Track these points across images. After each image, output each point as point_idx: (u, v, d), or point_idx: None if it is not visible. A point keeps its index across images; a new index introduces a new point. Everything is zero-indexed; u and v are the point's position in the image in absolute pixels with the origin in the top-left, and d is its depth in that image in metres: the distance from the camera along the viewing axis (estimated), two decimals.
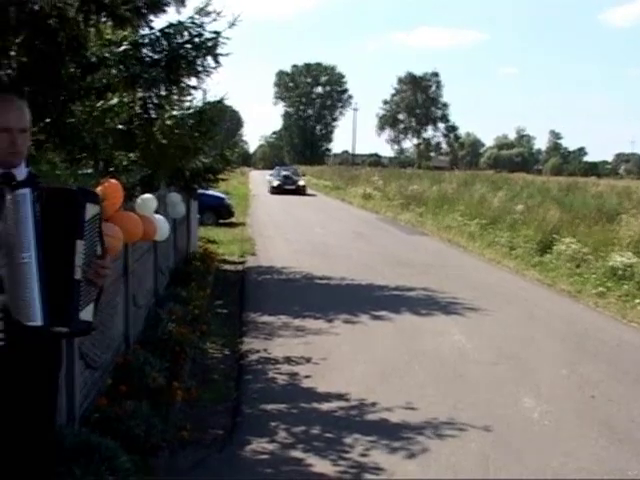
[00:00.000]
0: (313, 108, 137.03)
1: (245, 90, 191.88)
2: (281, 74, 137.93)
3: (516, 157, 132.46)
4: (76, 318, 3.61)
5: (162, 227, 8.82)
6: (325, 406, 7.64)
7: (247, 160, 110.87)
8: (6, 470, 3.75)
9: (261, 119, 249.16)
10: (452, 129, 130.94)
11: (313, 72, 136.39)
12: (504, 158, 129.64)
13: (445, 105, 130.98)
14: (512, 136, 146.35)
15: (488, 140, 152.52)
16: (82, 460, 5.17)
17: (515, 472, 6.12)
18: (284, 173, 56.13)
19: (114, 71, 8.90)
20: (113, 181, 7.32)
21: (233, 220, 28.10)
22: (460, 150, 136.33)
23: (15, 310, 3.46)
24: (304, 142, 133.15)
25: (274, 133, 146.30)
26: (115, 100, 10.11)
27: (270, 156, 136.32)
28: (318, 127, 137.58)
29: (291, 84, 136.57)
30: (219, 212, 27.02)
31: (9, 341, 3.49)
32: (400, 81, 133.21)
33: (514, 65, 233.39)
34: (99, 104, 9.43)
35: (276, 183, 53.08)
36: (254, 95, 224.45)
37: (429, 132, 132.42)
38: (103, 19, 7.18)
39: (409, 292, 14.17)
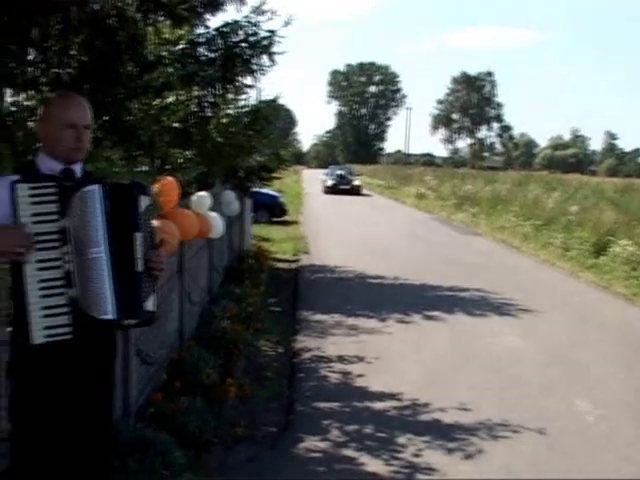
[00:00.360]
0: (367, 107, 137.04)
1: (299, 89, 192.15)
2: (335, 73, 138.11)
3: (571, 158, 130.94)
4: (142, 309, 3.69)
5: (217, 225, 8.89)
6: (378, 405, 7.64)
7: (300, 159, 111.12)
8: (66, 462, 3.81)
9: (315, 118, 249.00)
10: (506, 129, 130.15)
11: (367, 71, 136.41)
12: (558, 159, 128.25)
13: (499, 105, 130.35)
14: (567, 137, 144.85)
15: (542, 140, 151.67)
16: (137, 455, 5.23)
17: (570, 476, 6.06)
18: (338, 172, 54.00)
19: (171, 70, 8.99)
20: (169, 178, 7.40)
21: (286, 218, 28.20)
22: (514, 150, 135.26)
23: (85, 304, 3.52)
24: (357, 141, 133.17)
25: (327, 132, 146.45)
26: (171, 98, 10.21)
27: (323, 155, 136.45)
28: (371, 126, 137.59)
29: (345, 83, 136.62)
30: (272, 210, 27.14)
31: (76, 334, 3.56)
32: (454, 81, 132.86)
33: (570, 65, 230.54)
34: (155, 102, 9.53)
35: (330, 182, 51.49)
36: (308, 94, 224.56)
37: (483, 132, 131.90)
38: (161, 18, 7.25)
39: (462, 292, 14.11)
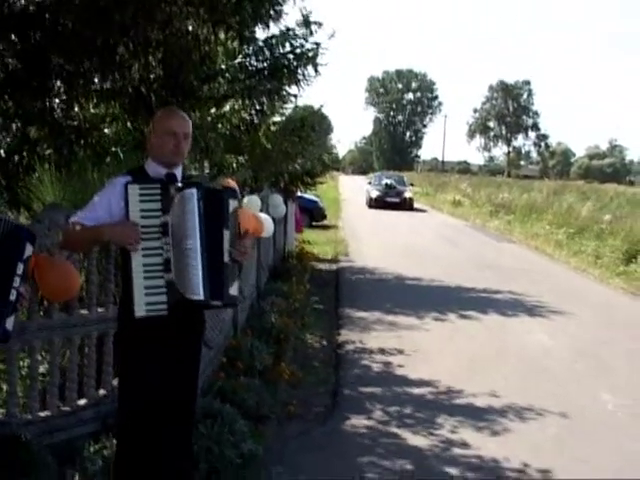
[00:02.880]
0: (403, 114, 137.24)
1: (336, 95, 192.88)
2: (372, 80, 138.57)
3: (608, 168, 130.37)
4: (227, 293, 4.47)
5: (268, 225, 9.64)
6: (416, 391, 8.38)
7: (336, 165, 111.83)
8: (162, 420, 4.60)
9: (351, 124, 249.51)
10: (543, 138, 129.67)
11: (404, 78, 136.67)
12: (595, 168, 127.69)
13: (536, 113, 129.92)
14: (604, 146, 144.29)
15: (579, 150, 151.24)
16: (208, 422, 6.02)
17: (587, 454, 6.74)
18: (386, 181, 44.11)
19: (223, 81, 9.79)
20: (231, 181, 8.20)
21: (325, 223, 28.97)
22: (550, 159, 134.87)
23: (181, 286, 4.31)
24: (393, 148, 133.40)
25: (364, 138, 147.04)
26: (227, 107, 11.05)
27: (359, 161, 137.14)
28: (408, 133, 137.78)
29: (382, 90, 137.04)
30: (312, 214, 27.89)
31: (170, 311, 4.34)
32: (491, 88, 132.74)
33: (607, 74, 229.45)
34: (212, 111, 10.34)
35: (375, 194, 42.33)
36: (345, 100, 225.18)
37: (519, 140, 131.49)
38: (229, 37, 8.03)
39: (496, 294, 14.79)
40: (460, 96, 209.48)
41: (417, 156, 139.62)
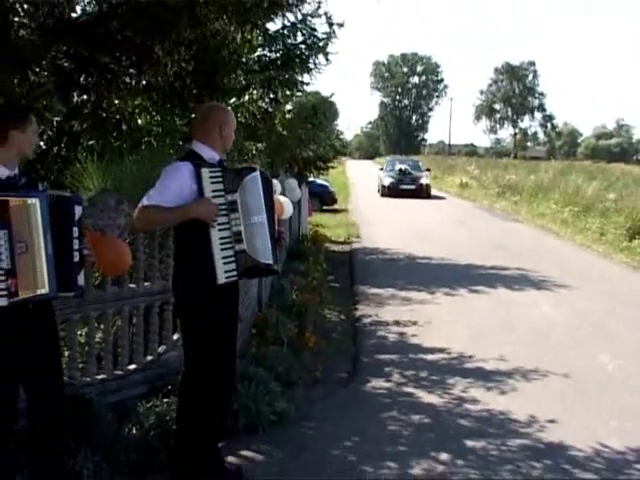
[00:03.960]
0: (409, 98, 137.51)
1: (342, 80, 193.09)
2: (377, 64, 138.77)
3: (615, 147, 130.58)
4: (277, 261, 5.34)
5: (288, 208, 10.30)
6: (430, 357, 9.06)
7: (344, 150, 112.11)
8: (223, 371, 5.33)
9: (357, 109, 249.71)
10: (549, 119, 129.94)
11: (409, 62, 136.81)
12: (602, 148, 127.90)
13: (542, 94, 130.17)
14: (611, 126, 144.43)
15: (586, 130, 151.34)
16: (245, 382, 6.72)
17: (588, 406, 7.42)
18: (400, 167, 39.93)
19: (241, 72, 10.44)
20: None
21: (336, 207, 29.64)
22: (557, 140, 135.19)
23: (253, 253, 5.07)
24: (400, 132, 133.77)
25: (370, 123, 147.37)
26: (247, 97, 11.72)
27: (366, 146, 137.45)
28: (414, 117, 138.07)
29: (387, 74, 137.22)
30: (323, 199, 28.56)
31: (239, 276, 5.12)
32: (496, 70, 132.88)
33: (612, 53, 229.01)
34: (232, 101, 11.01)
35: (388, 181, 38.48)
36: (350, 85, 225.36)
37: (526, 122, 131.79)
38: (254, 35, 8.71)
39: (504, 271, 15.44)
40: (466, 79, 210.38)
41: (424, 140, 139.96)
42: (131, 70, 7.60)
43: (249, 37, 9.08)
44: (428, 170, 42.55)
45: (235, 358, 5.66)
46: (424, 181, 38.71)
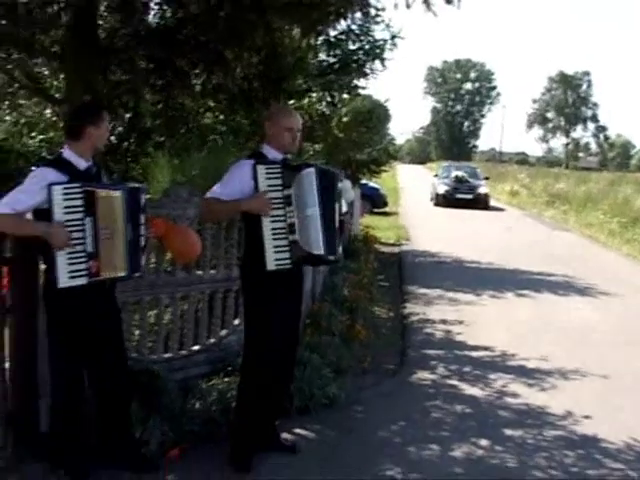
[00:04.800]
0: (462, 104, 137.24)
1: (394, 84, 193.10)
2: (431, 69, 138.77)
3: None
4: (338, 251, 5.78)
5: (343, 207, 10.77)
6: (474, 354, 9.48)
7: (395, 154, 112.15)
8: (283, 354, 5.84)
9: (409, 114, 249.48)
10: (602, 129, 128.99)
11: (463, 68, 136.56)
12: None
13: (595, 105, 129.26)
14: None
15: None
16: (300, 367, 7.19)
17: (623, 405, 7.78)
18: (457, 173, 36.52)
19: (301, 76, 10.95)
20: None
21: (386, 210, 30.05)
22: (610, 151, 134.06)
23: (305, 244, 5.52)
24: (451, 138, 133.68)
25: (421, 128, 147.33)
26: (306, 100, 12.23)
27: (417, 151, 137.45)
28: (466, 123, 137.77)
29: (440, 79, 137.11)
30: (374, 201, 28.90)
31: (292, 265, 5.56)
32: (550, 79, 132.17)
33: None
34: (291, 102, 11.53)
35: (443, 189, 35.40)
36: (403, 89, 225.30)
37: (578, 132, 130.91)
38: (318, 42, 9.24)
39: (549, 277, 15.74)
40: (519, 87, 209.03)
41: (475, 146, 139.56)
42: (202, 72, 8.13)
43: (312, 43, 9.56)
44: (487, 178, 39.08)
45: (295, 345, 6.12)
46: (482, 190, 35.66)
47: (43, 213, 4.97)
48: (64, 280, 4.98)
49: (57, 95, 8.35)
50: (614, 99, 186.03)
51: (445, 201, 34.49)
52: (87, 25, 6.70)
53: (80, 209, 5.00)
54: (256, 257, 5.54)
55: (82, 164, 5.21)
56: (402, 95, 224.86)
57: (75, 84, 6.88)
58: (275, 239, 5.47)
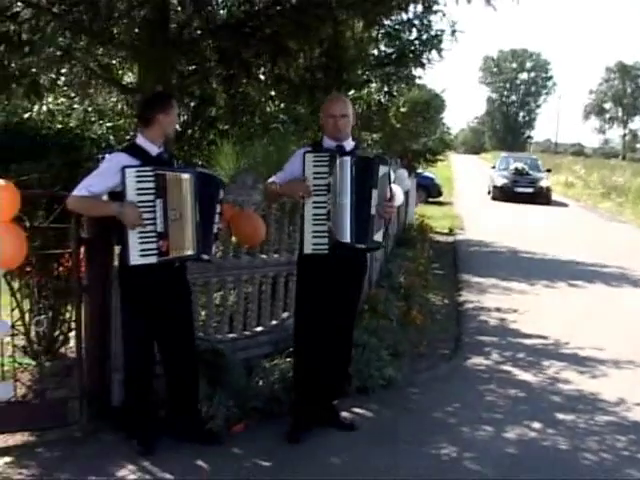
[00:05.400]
0: (517, 94, 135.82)
1: (450, 73, 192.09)
2: (487, 59, 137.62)
3: None
4: (371, 239, 5.87)
5: (398, 195, 10.96)
6: (528, 341, 9.66)
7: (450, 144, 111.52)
8: (327, 334, 6.11)
9: (464, 103, 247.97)
10: None
11: (519, 58, 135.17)
12: None
13: None
14: None
15: None
16: (359, 349, 7.45)
17: None
18: (516, 165, 34.16)
19: (360, 67, 11.18)
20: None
21: (441, 199, 30.16)
22: None
23: (335, 232, 5.76)
24: (506, 128, 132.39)
25: (476, 118, 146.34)
26: (365, 90, 12.45)
27: (471, 141, 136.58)
28: (521, 113, 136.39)
29: (495, 69, 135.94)
30: (429, 191, 29.00)
31: (330, 250, 5.79)
32: (608, 69, 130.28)
33: None
34: (351, 93, 11.76)
35: (502, 182, 33.17)
36: (458, 79, 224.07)
37: (636, 123, 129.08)
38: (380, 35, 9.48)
39: (603, 268, 15.84)
40: (575, 77, 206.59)
41: (530, 137, 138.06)
42: (266, 63, 8.40)
43: (374, 35, 9.78)
44: (549, 171, 36.66)
45: (348, 329, 6.37)
46: (544, 183, 33.34)
47: (117, 195, 5.33)
48: (135, 258, 5.32)
49: (127, 84, 8.72)
50: None
51: (503, 195, 32.41)
52: (160, 18, 7.00)
53: (151, 191, 5.32)
54: (300, 241, 5.92)
55: (154, 150, 5.52)
56: (457, 85, 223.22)
57: (147, 75, 7.22)
58: (315, 224, 5.77)
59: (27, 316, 6.99)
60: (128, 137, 8.00)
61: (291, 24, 6.69)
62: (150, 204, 5.32)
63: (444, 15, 11.94)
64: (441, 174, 39.51)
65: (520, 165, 33.94)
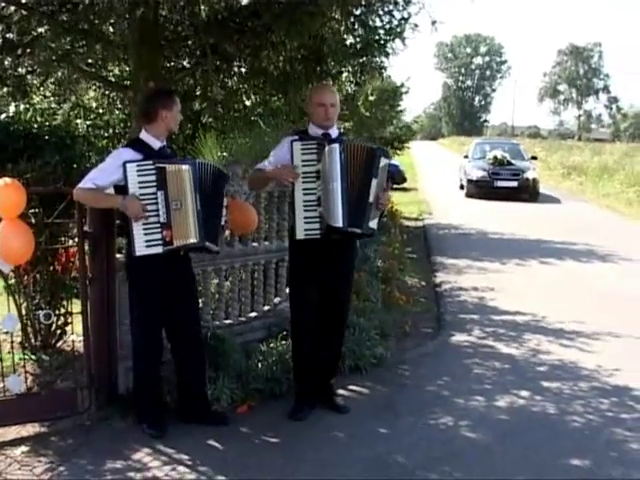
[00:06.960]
0: (472, 79, 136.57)
1: (404, 61, 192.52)
2: (441, 45, 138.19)
3: None
4: (366, 225, 6.05)
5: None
6: (507, 317, 10.01)
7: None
8: (322, 315, 6.40)
9: (419, 90, 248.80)
10: (614, 100, 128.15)
11: (472, 42, 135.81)
12: None
13: (607, 76, 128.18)
14: None
15: None
16: (350, 330, 7.72)
17: None
18: (494, 153, 27.58)
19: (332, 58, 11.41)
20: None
21: (405, 186, 30.45)
22: (622, 122, 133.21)
23: (327, 217, 5.97)
24: (462, 113, 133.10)
25: (432, 104, 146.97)
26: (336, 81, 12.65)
27: (428, 127, 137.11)
28: (477, 98, 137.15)
29: (450, 55, 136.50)
30: (393, 177, 29.08)
31: (322, 234, 6.02)
32: (560, 52, 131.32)
33: None
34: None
35: (478, 174, 26.82)
36: (413, 66, 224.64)
37: (590, 104, 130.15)
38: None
39: (572, 246, 16.28)
40: (529, 60, 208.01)
41: (486, 121, 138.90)
42: (248, 56, 8.63)
43: (349, 25, 10.01)
44: (534, 158, 30.36)
45: (340, 311, 6.55)
46: (530, 175, 26.85)
47: (122, 189, 5.54)
48: (141, 249, 5.56)
49: (114, 80, 8.91)
50: (626, 69, 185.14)
51: (480, 191, 26.53)
52: (149, 17, 7.20)
53: (152, 184, 5.56)
54: (292, 227, 6.13)
55: (157, 144, 5.75)
56: (413, 72, 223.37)
57: (138, 72, 7.42)
58: (306, 210, 5.97)
59: (24, 311, 7.17)
60: (114, 132, 8.16)
61: (283, 20, 6.91)
62: (152, 196, 5.54)
63: (433, 21, 12.08)
64: (403, 161, 39.79)
65: (500, 153, 27.57)
